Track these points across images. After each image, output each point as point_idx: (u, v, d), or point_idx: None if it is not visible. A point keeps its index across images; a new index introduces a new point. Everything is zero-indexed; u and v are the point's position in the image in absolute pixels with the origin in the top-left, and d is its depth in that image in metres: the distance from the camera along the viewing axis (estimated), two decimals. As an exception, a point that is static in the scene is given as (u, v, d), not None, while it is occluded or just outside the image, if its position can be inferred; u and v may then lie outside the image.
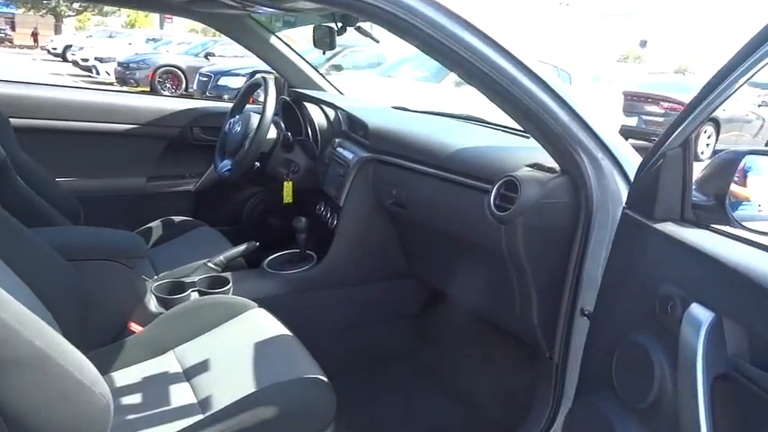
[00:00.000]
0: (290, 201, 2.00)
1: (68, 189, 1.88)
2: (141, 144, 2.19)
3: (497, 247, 1.26)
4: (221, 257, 1.68)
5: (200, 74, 8.94)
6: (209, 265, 1.66)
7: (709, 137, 9.18)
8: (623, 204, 1.07)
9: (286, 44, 2.32)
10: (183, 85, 11.15)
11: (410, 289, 1.88)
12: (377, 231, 1.79)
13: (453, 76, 6.37)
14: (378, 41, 1.81)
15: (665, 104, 8.95)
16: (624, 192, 1.10)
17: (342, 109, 1.99)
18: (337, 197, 1.77)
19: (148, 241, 1.89)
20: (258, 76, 2.15)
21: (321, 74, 2.43)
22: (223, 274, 1.63)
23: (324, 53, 1.99)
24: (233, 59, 10.96)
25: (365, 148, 1.76)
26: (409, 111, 2.21)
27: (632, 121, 8.79)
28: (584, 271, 1.15)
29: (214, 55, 11.52)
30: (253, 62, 9.66)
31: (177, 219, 2.03)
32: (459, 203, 1.39)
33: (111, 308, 1.35)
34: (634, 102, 9.00)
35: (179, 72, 11.18)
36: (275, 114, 1.97)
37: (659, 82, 10.24)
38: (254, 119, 1.96)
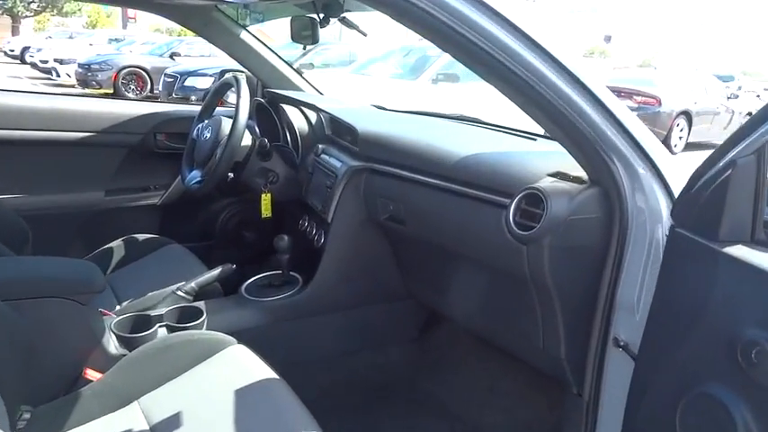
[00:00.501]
0: (269, 215, 1.80)
1: (13, 207, 1.66)
2: (98, 154, 1.96)
3: (516, 269, 1.09)
4: (192, 284, 1.48)
5: (166, 74, 8.61)
6: (179, 293, 1.45)
7: (681, 130, 9.25)
8: (665, 220, 0.91)
9: (258, 40, 2.11)
10: (149, 87, 10.76)
11: (407, 311, 1.71)
12: (370, 249, 1.61)
13: (430, 73, 6.21)
14: (365, 35, 1.63)
15: (639, 99, 8.97)
16: (665, 206, 0.94)
17: (324, 111, 1.80)
18: (324, 211, 1.59)
19: (108, 265, 1.67)
20: (229, 75, 1.94)
21: (298, 72, 2.24)
22: (195, 304, 1.43)
23: (304, 48, 1.80)
24: (200, 59, 10.66)
25: (354, 156, 1.58)
26: (397, 111, 2.03)
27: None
28: (617, 295, 0.99)
29: (180, 55, 11.15)
30: (222, 61, 9.42)
31: (141, 237, 1.82)
32: (470, 220, 1.22)
33: (62, 353, 1.15)
34: (608, 96, 8.98)
35: (143, 73, 10.78)
36: (249, 118, 1.77)
37: (626, 77, 10.25)
38: (226, 124, 1.76)
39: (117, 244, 1.77)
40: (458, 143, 1.39)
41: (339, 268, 1.59)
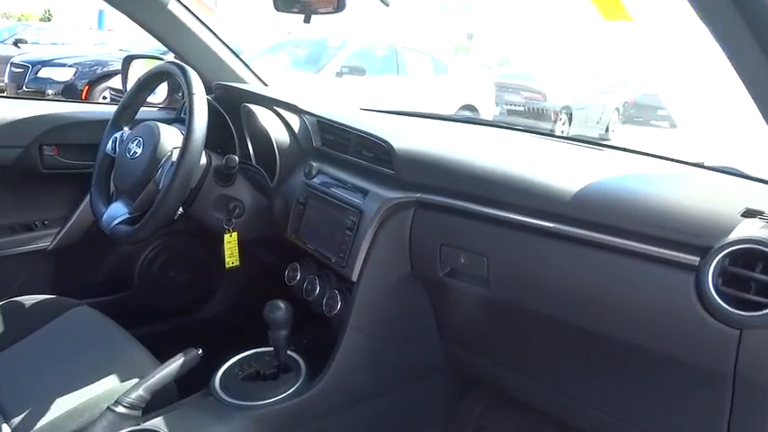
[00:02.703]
0: (236, 263, 1.31)
1: None
2: None
3: (707, 359, 0.76)
4: (140, 391, 0.94)
5: (13, 64, 7.31)
6: (119, 409, 0.92)
7: (563, 124, 9.65)
8: None
9: (193, 15, 1.60)
10: (-14, 78, 9.17)
11: (441, 385, 1.30)
12: (408, 314, 1.18)
13: (333, 67, 5.77)
14: (387, 5, 1.19)
15: (525, 94, 9.22)
16: None
17: (314, 115, 1.35)
18: (342, 265, 1.14)
19: None
20: (165, 62, 1.41)
21: (244, 62, 1.74)
22: (149, 427, 0.92)
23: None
24: (51, 47, 9.29)
25: (388, 183, 1.14)
26: (389, 113, 1.61)
27: (496, 111, 8.89)
28: None
29: (26, 42, 9.63)
30: (79, 50, 8.24)
31: (27, 300, 1.23)
32: (619, 285, 0.84)
33: None
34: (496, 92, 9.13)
35: (-22, 63, 9.15)
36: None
37: (509, 73, 10.55)
38: (168, 134, 1.24)
39: None
40: (556, 165, 1.02)
41: (366, 347, 1.14)
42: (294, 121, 1.39)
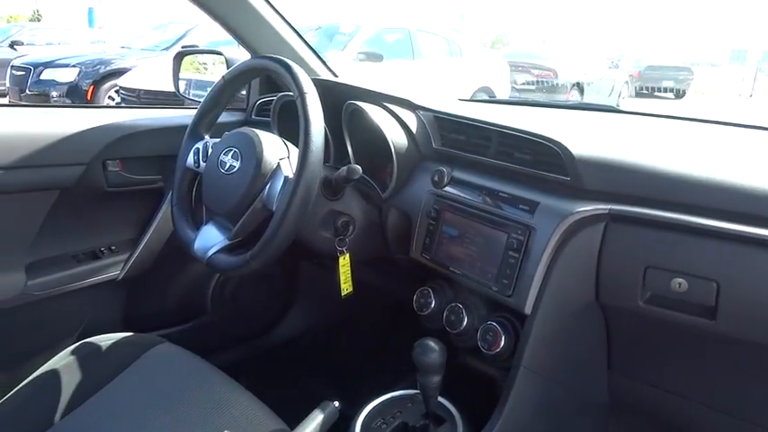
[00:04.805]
0: (350, 290, 1.15)
1: None
2: (4, 205, 1.17)
3: None
4: None
5: (14, 67, 7.09)
6: None
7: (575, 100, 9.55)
8: None
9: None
10: (-15, 84, 8.95)
11: (600, 420, 1.14)
12: (579, 347, 1.02)
13: (349, 52, 5.59)
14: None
15: (536, 72, 9.04)
16: None
17: (436, 111, 1.19)
18: (511, 294, 0.96)
19: (50, 404, 0.92)
20: (258, 57, 1.21)
21: (317, 54, 1.58)
22: None
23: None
24: (48, 48, 9.05)
25: (562, 193, 0.96)
26: (493, 103, 1.47)
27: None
28: None
29: (22, 43, 9.38)
30: (80, 49, 8.00)
31: (104, 339, 1.06)
32: None
33: None
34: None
35: (-25, 68, 8.92)
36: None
37: (518, 52, 10.40)
38: (270, 141, 1.05)
39: (62, 361, 1.00)
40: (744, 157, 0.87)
41: (540, 389, 0.97)
42: (410, 120, 1.21)
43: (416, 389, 1.05)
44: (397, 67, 5.77)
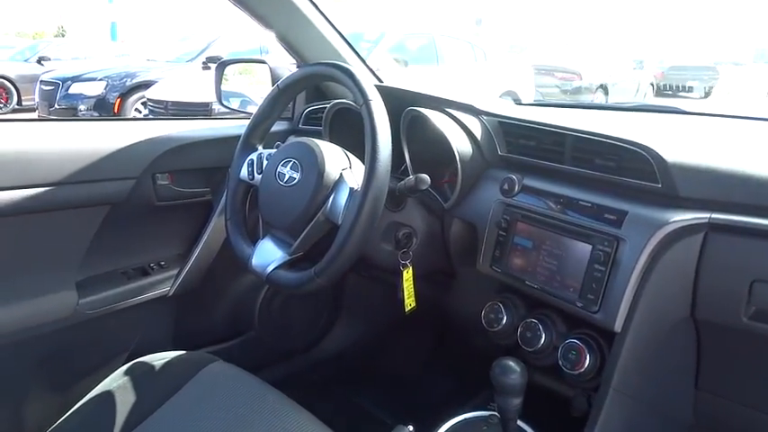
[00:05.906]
0: (414, 305, 1.10)
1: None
2: (56, 223, 1.14)
3: None
4: None
5: (43, 82, 7.20)
6: None
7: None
8: None
9: (315, 6, 1.40)
10: (15, 99, 9.10)
11: None
12: (669, 365, 0.96)
13: (375, 59, 5.56)
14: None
15: (559, 75, 8.96)
16: None
17: (504, 117, 1.13)
18: (597, 310, 0.88)
19: (106, 425, 0.88)
20: (318, 64, 1.15)
21: (362, 58, 1.54)
22: None
23: None
24: (74, 62, 9.17)
25: (653, 201, 0.89)
26: (548, 106, 1.41)
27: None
28: None
29: (49, 59, 9.55)
30: (106, 63, 8.10)
31: (157, 359, 1.02)
32: None
33: None
34: (530, 75, 8.88)
35: (6, 83, 9.08)
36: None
37: (539, 55, 10.34)
38: (331, 151, 1.00)
39: (117, 382, 0.96)
40: None
41: (630, 411, 0.90)
42: (474, 126, 1.15)
43: (486, 408, 0.99)
44: (423, 73, 5.73)
